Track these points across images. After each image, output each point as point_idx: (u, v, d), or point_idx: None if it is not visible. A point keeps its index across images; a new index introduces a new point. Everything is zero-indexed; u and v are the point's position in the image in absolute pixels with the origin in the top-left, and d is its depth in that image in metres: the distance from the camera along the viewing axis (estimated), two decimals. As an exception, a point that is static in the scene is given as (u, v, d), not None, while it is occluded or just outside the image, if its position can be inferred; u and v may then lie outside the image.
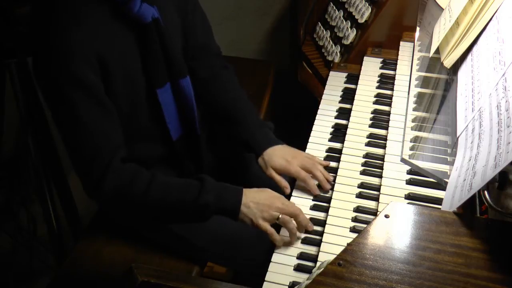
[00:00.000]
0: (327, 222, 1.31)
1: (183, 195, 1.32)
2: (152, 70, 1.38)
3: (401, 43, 1.82)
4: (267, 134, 1.52)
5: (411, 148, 1.41)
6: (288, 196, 1.42)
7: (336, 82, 1.79)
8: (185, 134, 1.52)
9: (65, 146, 1.32)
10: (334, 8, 2.04)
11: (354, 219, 1.31)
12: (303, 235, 1.31)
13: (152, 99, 1.41)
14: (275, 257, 1.27)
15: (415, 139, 1.43)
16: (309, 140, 1.58)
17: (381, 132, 1.55)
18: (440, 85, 1.48)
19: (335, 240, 1.26)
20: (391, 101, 1.62)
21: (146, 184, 1.31)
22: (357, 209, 1.34)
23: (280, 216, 1.30)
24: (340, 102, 1.71)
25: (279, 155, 1.45)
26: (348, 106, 1.67)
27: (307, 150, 1.54)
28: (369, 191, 1.38)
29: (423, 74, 1.62)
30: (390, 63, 1.79)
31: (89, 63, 1.25)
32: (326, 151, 1.54)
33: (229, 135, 1.57)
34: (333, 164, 1.49)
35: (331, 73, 1.83)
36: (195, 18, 1.54)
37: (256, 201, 1.32)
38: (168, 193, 1.33)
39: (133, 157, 1.37)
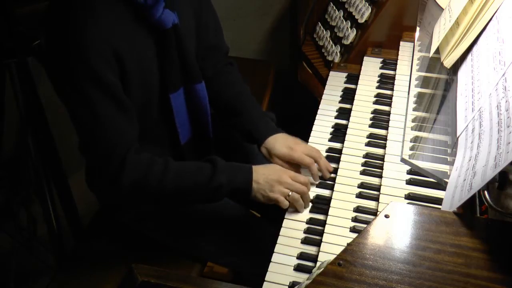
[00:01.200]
0: (327, 222, 1.31)
1: (197, 178, 1.35)
2: (168, 75, 1.39)
3: (401, 43, 1.82)
4: (268, 124, 1.53)
5: (411, 148, 1.41)
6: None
7: (336, 82, 1.79)
8: (195, 137, 1.53)
9: (80, 142, 1.33)
10: (334, 8, 2.04)
11: (354, 219, 1.31)
12: (303, 235, 1.31)
13: (164, 103, 1.42)
14: (275, 257, 1.27)
15: (415, 139, 1.43)
16: (309, 140, 1.58)
17: (381, 132, 1.55)
18: (440, 85, 1.48)
19: (335, 240, 1.26)
20: (391, 101, 1.62)
21: (161, 173, 1.33)
22: (357, 209, 1.34)
23: (290, 193, 1.34)
24: (340, 102, 1.71)
25: (281, 144, 1.47)
26: (348, 106, 1.67)
27: (307, 150, 1.54)
28: (369, 191, 1.38)
29: (423, 74, 1.62)
30: (390, 63, 1.79)
31: (107, 61, 1.25)
32: (326, 151, 1.54)
33: (232, 127, 1.58)
34: (333, 164, 1.49)
35: (331, 73, 1.83)
36: (209, 19, 1.55)
37: (265, 177, 1.35)
38: (183, 179, 1.35)
39: None
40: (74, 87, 1.26)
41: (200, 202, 1.44)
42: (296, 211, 1.36)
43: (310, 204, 1.39)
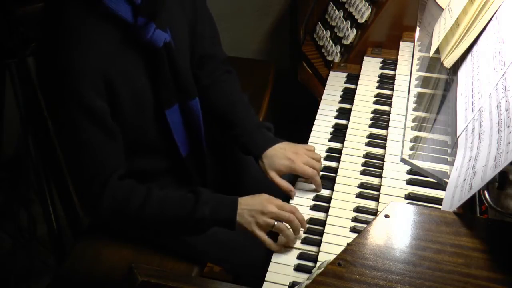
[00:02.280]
0: (327, 222, 1.31)
1: (179, 209, 1.33)
2: (161, 92, 1.38)
3: (401, 43, 1.82)
4: (264, 135, 1.49)
5: (411, 148, 1.41)
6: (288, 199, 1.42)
7: (336, 82, 1.79)
8: (191, 151, 1.52)
9: (65, 164, 1.34)
10: (334, 8, 2.04)
11: (354, 219, 1.31)
12: (303, 235, 1.31)
13: (161, 119, 1.41)
14: (275, 257, 1.27)
15: (415, 139, 1.43)
16: (309, 140, 1.57)
17: (381, 132, 1.55)
18: (440, 85, 1.48)
19: (335, 240, 1.26)
20: (391, 101, 1.62)
21: (142, 201, 1.32)
22: (357, 209, 1.34)
23: (275, 223, 1.29)
24: (340, 102, 1.71)
25: (280, 156, 1.43)
26: (348, 106, 1.67)
27: (307, 150, 1.54)
28: (369, 191, 1.38)
29: (423, 74, 1.62)
30: (390, 63, 1.79)
31: (95, 87, 1.24)
32: (326, 151, 1.54)
33: (228, 139, 1.55)
34: (333, 164, 1.49)
35: (331, 73, 1.83)
36: (204, 28, 1.53)
37: (249, 208, 1.31)
38: (164, 209, 1.33)
39: (138, 171, 1.38)
40: (61, 110, 1.26)
41: (184, 234, 1.42)
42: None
43: (311, 203, 1.39)
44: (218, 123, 1.57)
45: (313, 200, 1.40)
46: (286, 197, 1.42)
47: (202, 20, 1.51)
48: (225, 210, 1.32)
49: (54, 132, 1.33)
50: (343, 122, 1.62)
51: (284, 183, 1.42)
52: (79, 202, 1.36)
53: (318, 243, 1.28)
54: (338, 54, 1.89)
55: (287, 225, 1.29)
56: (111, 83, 1.27)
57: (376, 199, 1.35)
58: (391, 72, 1.75)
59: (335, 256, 0.88)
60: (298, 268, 1.24)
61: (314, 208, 1.38)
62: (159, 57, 1.33)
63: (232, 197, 1.34)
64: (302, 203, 1.39)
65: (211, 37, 1.56)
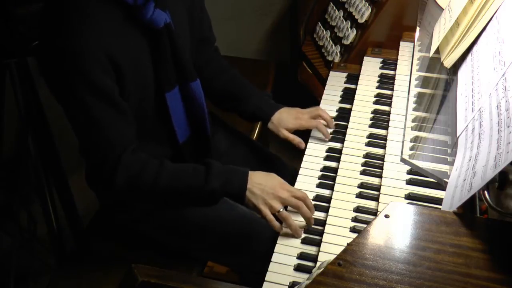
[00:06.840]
0: (327, 222, 1.31)
1: (191, 181, 1.35)
2: (162, 74, 1.40)
3: (401, 43, 1.82)
4: (268, 102, 1.64)
5: (411, 148, 1.41)
6: (293, 182, 1.43)
7: (336, 82, 1.79)
8: (193, 135, 1.53)
9: (78, 141, 1.34)
10: (334, 8, 2.04)
11: (354, 219, 1.31)
12: (303, 235, 1.31)
13: (161, 103, 1.42)
14: (275, 257, 1.27)
15: (415, 139, 1.43)
16: (309, 140, 1.58)
17: (381, 132, 1.55)
18: (440, 85, 1.48)
19: (335, 240, 1.26)
20: (391, 101, 1.62)
21: (155, 172, 1.34)
22: (357, 209, 1.34)
23: (281, 210, 1.32)
24: (340, 102, 1.71)
25: (287, 116, 1.58)
26: (348, 106, 1.67)
27: (307, 149, 1.55)
28: (369, 191, 1.38)
29: (423, 74, 1.62)
30: (390, 63, 1.79)
31: (102, 66, 1.25)
32: (326, 151, 1.54)
33: (232, 110, 1.65)
34: (333, 164, 1.49)
35: (331, 73, 1.83)
36: (203, 13, 1.58)
37: (261, 187, 1.34)
38: (176, 181, 1.35)
39: None
40: (70, 92, 1.27)
41: (195, 205, 1.44)
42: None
43: (312, 203, 1.38)
44: (218, 98, 1.66)
45: (313, 200, 1.40)
46: (293, 182, 1.44)
47: (200, 6, 1.57)
48: (235, 184, 1.35)
49: (65, 115, 1.33)
50: (343, 122, 1.62)
51: (294, 137, 1.56)
52: (93, 181, 1.36)
53: (318, 243, 1.28)
54: (338, 54, 1.90)
55: (289, 216, 1.31)
56: (116, 62, 1.28)
57: (376, 199, 1.35)
58: (391, 72, 1.75)
59: (335, 256, 0.88)
60: (298, 268, 1.24)
61: (314, 208, 1.38)
62: (160, 38, 1.36)
63: (243, 169, 1.37)
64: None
65: (207, 22, 1.62)
